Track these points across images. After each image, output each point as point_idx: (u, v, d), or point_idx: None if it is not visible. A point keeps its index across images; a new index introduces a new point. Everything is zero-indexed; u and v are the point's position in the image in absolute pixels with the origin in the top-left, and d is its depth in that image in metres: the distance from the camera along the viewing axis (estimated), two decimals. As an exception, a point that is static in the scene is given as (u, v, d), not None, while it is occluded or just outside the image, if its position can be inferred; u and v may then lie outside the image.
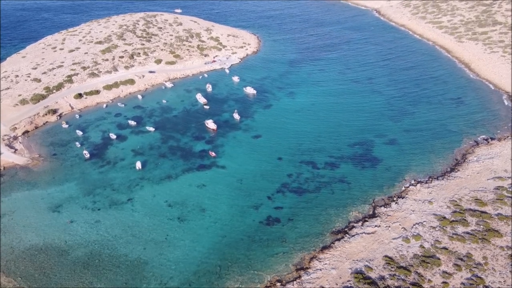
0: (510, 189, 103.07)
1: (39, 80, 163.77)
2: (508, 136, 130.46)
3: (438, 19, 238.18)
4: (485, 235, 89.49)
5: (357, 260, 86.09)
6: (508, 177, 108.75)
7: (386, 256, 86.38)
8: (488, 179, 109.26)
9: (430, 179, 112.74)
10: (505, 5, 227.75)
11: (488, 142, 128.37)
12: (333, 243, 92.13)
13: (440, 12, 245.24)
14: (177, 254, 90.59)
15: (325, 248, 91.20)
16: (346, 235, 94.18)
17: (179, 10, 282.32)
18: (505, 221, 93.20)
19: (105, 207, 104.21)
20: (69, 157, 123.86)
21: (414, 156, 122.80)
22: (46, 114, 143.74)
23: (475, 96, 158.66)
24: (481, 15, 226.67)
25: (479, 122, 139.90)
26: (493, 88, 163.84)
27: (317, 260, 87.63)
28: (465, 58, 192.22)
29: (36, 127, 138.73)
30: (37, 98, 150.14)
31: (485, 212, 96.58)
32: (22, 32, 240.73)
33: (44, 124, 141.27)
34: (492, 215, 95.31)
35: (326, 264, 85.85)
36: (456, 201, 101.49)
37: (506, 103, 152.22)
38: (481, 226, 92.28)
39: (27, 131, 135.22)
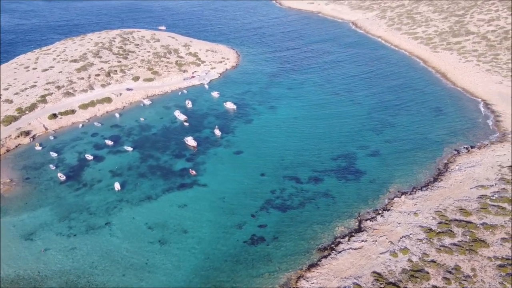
0: (494, 198, 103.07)
1: (11, 101, 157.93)
2: (487, 144, 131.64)
3: (413, 30, 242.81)
4: (472, 245, 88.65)
5: (345, 278, 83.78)
6: (490, 185, 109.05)
7: (374, 272, 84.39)
8: (471, 188, 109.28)
9: (414, 190, 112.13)
10: (476, 15, 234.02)
11: (469, 150, 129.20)
12: (320, 261, 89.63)
13: (415, 24, 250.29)
14: (158, 279, 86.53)
15: (312, 266, 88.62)
16: (333, 251, 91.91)
17: (163, 27, 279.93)
18: (490, 230, 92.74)
19: (81, 232, 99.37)
20: (43, 181, 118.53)
21: (397, 167, 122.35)
22: (18, 136, 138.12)
23: (453, 105, 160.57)
24: (454, 25, 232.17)
25: (458, 131, 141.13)
26: (469, 97, 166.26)
27: (304, 279, 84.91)
28: (441, 67, 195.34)
29: (8, 150, 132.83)
30: (9, 120, 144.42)
31: (471, 222, 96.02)
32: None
33: (16, 146, 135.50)
34: (478, 225, 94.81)
35: (313, 283, 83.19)
36: (441, 211, 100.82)
37: (483, 110, 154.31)
38: (468, 237, 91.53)
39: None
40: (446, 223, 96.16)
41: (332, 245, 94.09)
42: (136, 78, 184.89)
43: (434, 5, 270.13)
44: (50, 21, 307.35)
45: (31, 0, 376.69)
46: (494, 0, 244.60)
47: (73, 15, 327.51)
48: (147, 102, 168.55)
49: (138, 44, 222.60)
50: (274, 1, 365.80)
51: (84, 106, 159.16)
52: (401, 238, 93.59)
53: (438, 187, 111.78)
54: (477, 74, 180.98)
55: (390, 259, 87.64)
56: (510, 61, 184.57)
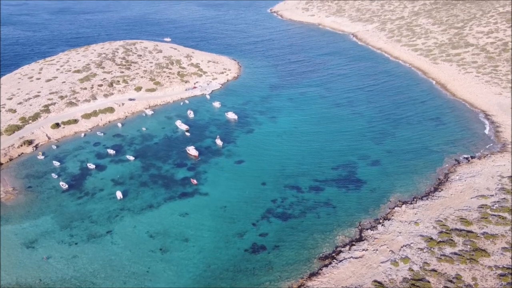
0: (494, 207, 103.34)
1: (15, 111, 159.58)
2: (487, 155, 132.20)
3: (413, 42, 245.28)
4: (472, 255, 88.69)
5: (346, 287, 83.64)
6: (490, 195, 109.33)
7: (375, 281, 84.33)
8: (471, 198, 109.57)
9: (415, 199, 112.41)
10: (475, 28, 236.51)
11: (469, 160, 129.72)
12: (321, 270, 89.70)
13: (415, 35, 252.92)
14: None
15: (313, 275, 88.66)
16: (334, 260, 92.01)
17: (168, 39, 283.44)
18: (491, 239, 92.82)
19: (83, 240, 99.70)
20: (45, 189, 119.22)
21: (398, 177, 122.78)
22: (21, 146, 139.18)
23: (453, 115, 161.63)
24: (453, 37, 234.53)
25: (459, 141, 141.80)
26: (469, 107, 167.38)
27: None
28: (441, 79, 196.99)
29: (11, 159, 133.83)
30: (12, 129, 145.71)
31: (471, 232, 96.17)
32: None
33: (19, 155, 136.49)
34: (478, 234, 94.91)
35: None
36: (441, 221, 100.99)
37: (482, 121, 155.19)
38: (468, 246, 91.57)
39: (0, 164, 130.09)
40: (447, 233, 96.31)
41: (333, 254, 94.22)
42: (138, 89, 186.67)
43: (433, 18, 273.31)
44: (57, 33, 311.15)
45: (38, 13, 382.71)
46: (493, 13, 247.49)
47: (80, 27, 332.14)
48: (149, 112, 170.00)
49: (140, 55, 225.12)
50: (275, 14, 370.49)
51: (86, 116, 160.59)
52: (402, 247, 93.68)
53: (438, 196, 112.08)
54: (477, 85, 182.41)
55: (391, 268, 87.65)
56: (509, 72, 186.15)
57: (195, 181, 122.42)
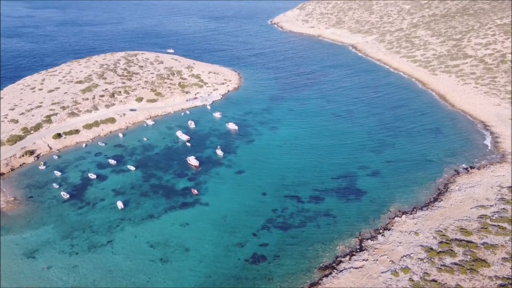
0: (494, 217, 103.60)
1: (17, 121, 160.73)
2: (487, 165, 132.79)
3: (412, 53, 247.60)
4: (473, 265, 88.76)
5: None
6: (490, 205, 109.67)
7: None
8: (471, 208, 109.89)
9: (415, 209, 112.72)
10: (474, 39, 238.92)
11: (468, 171, 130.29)
12: (321, 280, 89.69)
13: (413, 47, 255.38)
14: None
15: (313, 285, 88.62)
16: (334, 270, 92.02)
17: (171, 50, 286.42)
18: (491, 250, 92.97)
19: (83, 250, 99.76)
20: (46, 199, 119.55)
21: (398, 187, 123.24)
22: (23, 156, 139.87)
23: (452, 126, 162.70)
24: (452, 49, 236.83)
25: (458, 152, 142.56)
26: (468, 118, 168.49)
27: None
28: (440, 90, 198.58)
29: (12, 169, 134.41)
30: (14, 139, 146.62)
31: (471, 242, 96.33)
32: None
33: (20, 165, 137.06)
34: (478, 245, 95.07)
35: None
36: (441, 231, 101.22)
37: (482, 132, 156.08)
38: (468, 256, 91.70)
39: (2, 174, 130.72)
40: (447, 243, 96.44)
41: (333, 264, 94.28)
42: (139, 99, 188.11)
43: (432, 29, 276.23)
44: (60, 45, 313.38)
45: (43, 25, 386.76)
46: (491, 25, 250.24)
47: (83, 39, 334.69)
48: (150, 122, 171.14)
49: (142, 66, 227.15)
50: (276, 25, 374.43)
51: (88, 126, 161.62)
52: (402, 257, 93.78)
53: (438, 207, 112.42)
54: (476, 96, 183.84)
55: (391, 278, 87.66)
56: (507, 83, 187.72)
57: (195, 191, 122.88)
